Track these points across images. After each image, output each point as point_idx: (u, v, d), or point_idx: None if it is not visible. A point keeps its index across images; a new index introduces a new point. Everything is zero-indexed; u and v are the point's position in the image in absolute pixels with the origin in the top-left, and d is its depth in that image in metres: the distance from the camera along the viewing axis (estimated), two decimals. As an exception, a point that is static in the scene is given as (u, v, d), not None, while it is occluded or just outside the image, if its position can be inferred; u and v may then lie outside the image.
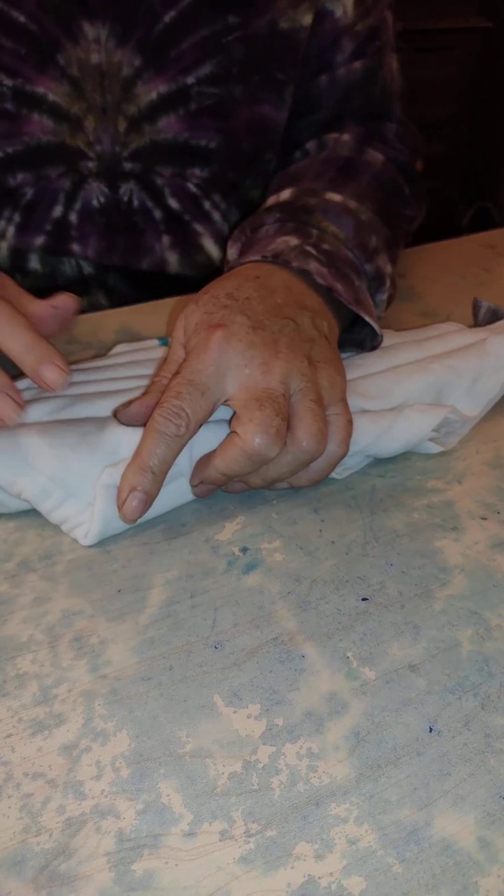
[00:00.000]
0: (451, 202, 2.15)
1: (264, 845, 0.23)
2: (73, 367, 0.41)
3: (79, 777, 0.24)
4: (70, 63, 0.47)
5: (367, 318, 0.39)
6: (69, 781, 0.24)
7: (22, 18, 0.46)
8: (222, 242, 0.58)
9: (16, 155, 0.49)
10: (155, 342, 0.44)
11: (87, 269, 0.57)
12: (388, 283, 0.44)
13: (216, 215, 0.57)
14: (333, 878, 0.22)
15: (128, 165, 0.52)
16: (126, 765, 0.25)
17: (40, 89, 0.47)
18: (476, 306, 0.50)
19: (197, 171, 0.54)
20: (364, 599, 0.31)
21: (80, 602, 0.31)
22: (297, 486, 0.35)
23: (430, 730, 0.26)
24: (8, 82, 0.47)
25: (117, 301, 0.59)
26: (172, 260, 0.57)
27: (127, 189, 0.53)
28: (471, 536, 0.34)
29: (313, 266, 0.38)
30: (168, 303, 0.55)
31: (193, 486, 0.35)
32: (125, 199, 0.53)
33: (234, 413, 0.32)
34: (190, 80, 0.50)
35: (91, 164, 0.51)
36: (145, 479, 0.31)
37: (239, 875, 0.22)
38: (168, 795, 0.24)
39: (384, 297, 0.44)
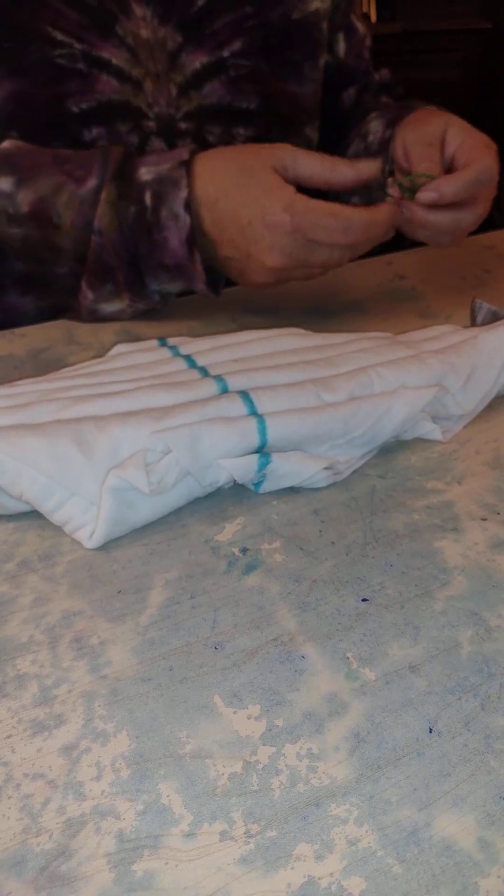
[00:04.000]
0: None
1: (264, 846, 0.23)
2: (73, 368, 0.41)
3: (79, 778, 0.24)
4: (127, 34, 0.55)
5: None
6: (69, 782, 0.24)
7: None
8: None
9: (90, 110, 0.55)
10: (154, 342, 0.44)
11: None
12: None
13: None
14: (333, 878, 0.22)
15: (182, 125, 0.59)
16: (126, 765, 0.25)
17: (105, 54, 0.54)
18: (476, 308, 0.49)
19: (242, 130, 0.62)
20: (364, 600, 0.31)
21: (80, 603, 0.31)
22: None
23: (430, 730, 0.26)
24: (78, 46, 0.53)
25: None
26: None
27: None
28: (471, 537, 0.34)
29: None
30: (167, 305, 0.55)
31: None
32: None
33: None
34: (225, 52, 0.59)
35: (151, 124, 0.58)
36: None
37: (239, 876, 0.22)
38: (168, 796, 0.24)
39: None
